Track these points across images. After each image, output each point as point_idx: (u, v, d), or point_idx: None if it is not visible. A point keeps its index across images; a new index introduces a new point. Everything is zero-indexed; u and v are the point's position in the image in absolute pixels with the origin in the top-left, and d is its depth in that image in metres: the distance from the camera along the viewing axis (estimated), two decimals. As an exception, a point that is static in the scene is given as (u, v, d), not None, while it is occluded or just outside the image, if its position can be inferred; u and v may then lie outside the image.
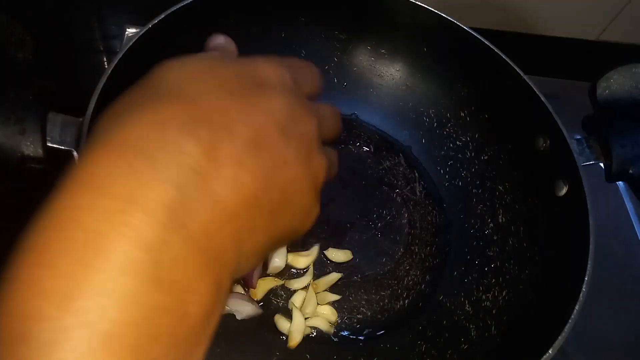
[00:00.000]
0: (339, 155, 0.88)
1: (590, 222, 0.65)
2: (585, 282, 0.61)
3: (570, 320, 0.59)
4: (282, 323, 0.71)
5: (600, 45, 1.18)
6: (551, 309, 0.64)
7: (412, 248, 0.82)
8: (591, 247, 0.64)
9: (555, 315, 0.62)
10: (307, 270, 0.76)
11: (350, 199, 0.85)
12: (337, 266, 0.78)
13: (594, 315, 0.81)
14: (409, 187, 0.88)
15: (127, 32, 0.94)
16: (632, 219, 0.95)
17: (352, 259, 0.78)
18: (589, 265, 0.62)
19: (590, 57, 1.17)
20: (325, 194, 0.83)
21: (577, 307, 0.60)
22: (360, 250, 0.80)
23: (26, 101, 0.55)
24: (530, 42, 1.15)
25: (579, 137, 0.74)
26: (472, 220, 0.84)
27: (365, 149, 0.91)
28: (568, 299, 0.61)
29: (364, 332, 0.73)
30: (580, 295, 0.61)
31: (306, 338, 0.71)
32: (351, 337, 0.73)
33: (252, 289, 0.72)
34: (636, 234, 0.94)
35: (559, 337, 0.58)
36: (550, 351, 0.57)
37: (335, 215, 0.82)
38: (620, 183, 0.97)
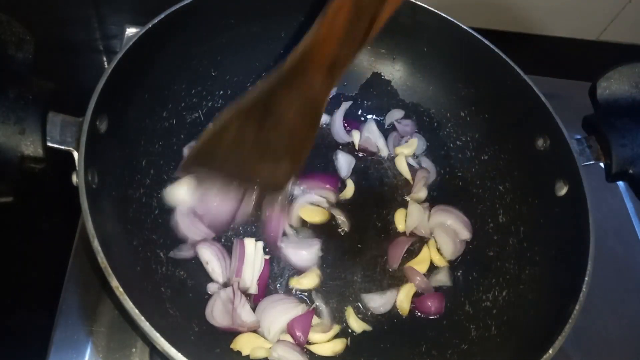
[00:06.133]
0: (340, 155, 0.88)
1: (591, 222, 0.65)
2: (585, 282, 0.61)
3: (570, 321, 0.59)
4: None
5: (600, 45, 1.18)
6: (551, 309, 0.64)
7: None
8: (591, 247, 0.64)
9: (555, 315, 0.61)
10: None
11: (351, 199, 0.85)
12: (339, 268, 0.78)
13: (594, 315, 0.81)
14: (409, 187, 0.88)
15: (127, 32, 0.94)
16: (632, 219, 0.95)
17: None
18: (589, 266, 0.62)
19: (590, 57, 1.17)
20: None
21: (577, 307, 0.60)
22: (360, 250, 0.80)
23: (26, 101, 0.55)
24: (530, 42, 1.15)
25: (579, 137, 0.74)
26: (473, 220, 0.83)
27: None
28: (568, 299, 0.61)
29: (365, 332, 0.73)
30: (581, 295, 0.60)
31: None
32: (352, 337, 0.72)
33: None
34: (636, 234, 0.94)
35: (559, 338, 0.57)
36: (550, 351, 0.57)
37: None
38: (620, 183, 0.96)
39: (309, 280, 0.75)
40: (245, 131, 0.61)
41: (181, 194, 0.75)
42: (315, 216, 0.81)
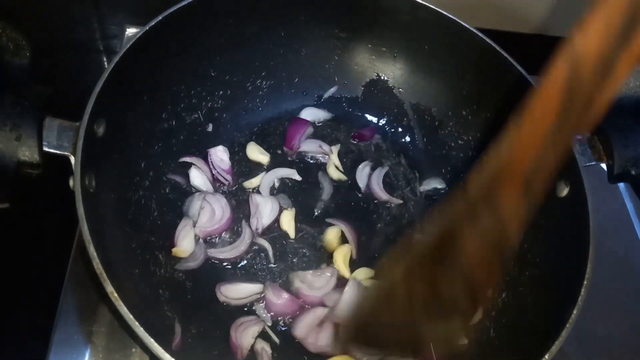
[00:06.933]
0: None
1: (591, 225, 0.64)
2: (584, 286, 0.61)
3: (568, 325, 0.58)
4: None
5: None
6: (550, 313, 0.64)
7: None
8: (591, 250, 0.63)
9: (553, 319, 0.61)
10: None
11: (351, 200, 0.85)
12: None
13: (594, 315, 0.80)
14: (409, 188, 0.88)
15: (127, 32, 0.94)
16: (633, 220, 0.95)
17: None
18: (588, 269, 0.62)
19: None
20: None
21: (575, 311, 0.59)
22: (360, 252, 0.79)
23: (22, 107, 0.55)
24: (530, 42, 1.14)
25: (580, 137, 0.73)
26: (473, 221, 0.83)
27: (366, 148, 0.91)
28: (567, 303, 0.60)
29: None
30: (579, 299, 0.60)
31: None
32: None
33: None
34: (636, 234, 0.94)
35: (557, 342, 0.57)
36: (546, 356, 0.56)
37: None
38: (621, 183, 0.95)
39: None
40: (414, 287, 0.46)
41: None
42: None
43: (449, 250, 0.42)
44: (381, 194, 0.85)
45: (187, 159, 0.80)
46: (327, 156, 0.88)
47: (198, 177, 0.79)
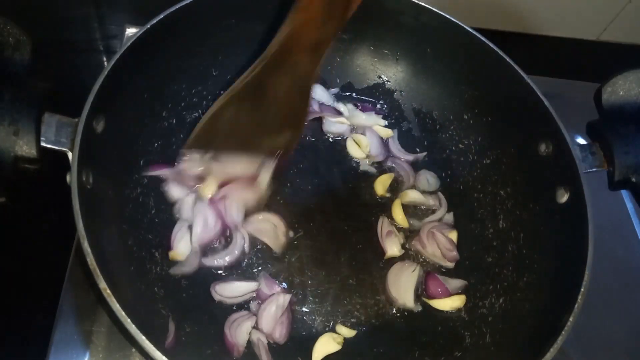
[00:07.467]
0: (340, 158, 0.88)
1: (590, 232, 0.64)
2: (581, 293, 0.60)
3: (563, 332, 0.58)
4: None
5: (600, 45, 1.17)
6: (546, 320, 0.63)
7: (410, 253, 0.81)
8: (589, 258, 0.62)
9: (550, 326, 0.61)
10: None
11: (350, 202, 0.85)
12: (334, 270, 0.78)
13: (594, 315, 0.80)
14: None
15: (127, 32, 0.94)
16: (633, 220, 0.94)
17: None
18: (586, 276, 0.61)
19: (590, 57, 1.16)
20: (324, 199, 0.83)
21: (571, 319, 0.59)
22: (357, 253, 0.79)
23: (21, 102, 0.56)
24: (530, 42, 1.14)
25: (582, 143, 0.73)
26: (473, 225, 0.83)
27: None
28: (563, 310, 0.60)
29: (358, 336, 0.73)
30: (576, 307, 0.59)
31: (299, 341, 0.71)
32: (345, 340, 0.72)
33: None
34: (636, 234, 0.93)
35: (551, 350, 0.57)
36: (542, 363, 0.56)
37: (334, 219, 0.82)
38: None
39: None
40: (241, 111, 0.70)
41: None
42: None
43: (264, 90, 0.66)
44: (380, 196, 0.85)
45: (154, 173, 0.75)
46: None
47: (175, 190, 0.77)
